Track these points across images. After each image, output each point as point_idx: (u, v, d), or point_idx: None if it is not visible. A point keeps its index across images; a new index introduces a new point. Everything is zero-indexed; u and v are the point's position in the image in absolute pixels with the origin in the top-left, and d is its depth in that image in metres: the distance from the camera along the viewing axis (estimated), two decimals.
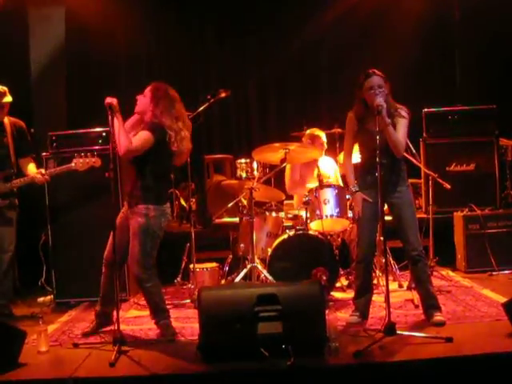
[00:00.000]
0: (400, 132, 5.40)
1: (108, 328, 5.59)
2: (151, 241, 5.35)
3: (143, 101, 5.43)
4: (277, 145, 6.69)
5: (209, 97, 6.76)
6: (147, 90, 5.44)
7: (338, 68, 9.82)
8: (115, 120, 5.17)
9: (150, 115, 5.38)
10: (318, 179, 6.82)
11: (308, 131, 7.69)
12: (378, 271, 6.70)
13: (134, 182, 5.36)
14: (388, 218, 5.54)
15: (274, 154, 6.77)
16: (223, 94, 6.85)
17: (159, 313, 5.46)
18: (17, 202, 6.28)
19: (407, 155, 6.58)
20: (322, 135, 7.58)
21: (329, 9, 9.62)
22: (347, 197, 6.68)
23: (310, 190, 6.77)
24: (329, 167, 7.59)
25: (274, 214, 7.13)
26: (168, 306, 5.66)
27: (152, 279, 5.38)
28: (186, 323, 5.87)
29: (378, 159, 5.02)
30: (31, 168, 6.31)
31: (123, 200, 5.44)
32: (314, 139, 7.51)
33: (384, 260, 5.53)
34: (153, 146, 5.28)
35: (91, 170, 6.05)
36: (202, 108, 6.70)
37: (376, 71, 5.43)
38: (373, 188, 5.35)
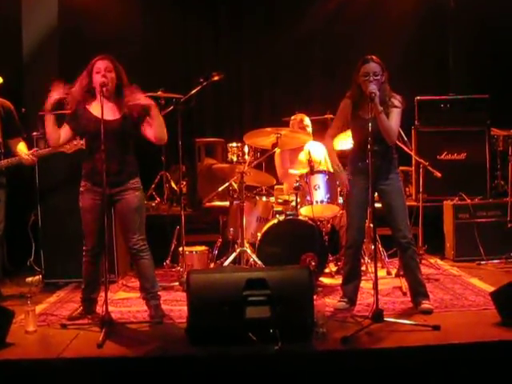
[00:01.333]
0: (393, 120, 5.37)
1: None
2: (145, 211, 5.52)
3: (110, 75, 5.26)
4: (268, 129, 6.72)
5: (202, 80, 6.72)
6: (110, 65, 5.28)
7: (331, 54, 9.81)
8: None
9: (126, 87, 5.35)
10: (309, 165, 6.81)
11: (293, 116, 7.75)
12: (366, 258, 6.72)
13: (121, 159, 5.30)
14: (378, 205, 5.55)
15: (265, 138, 6.79)
16: (216, 77, 6.81)
17: (152, 287, 5.45)
18: (5, 182, 6.26)
19: (398, 143, 6.59)
20: (305, 118, 7.62)
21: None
22: (337, 183, 6.69)
23: (301, 176, 6.77)
24: (319, 153, 7.58)
25: (264, 198, 7.14)
26: None
27: (148, 249, 5.43)
28: (175, 306, 5.86)
29: (369, 146, 5.01)
30: (21, 148, 6.28)
31: (91, 180, 5.37)
32: (298, 123, 7.56)
33: (373, 247, 5.54)
34: None
35: (81, 151, 5.99)
36: (194, 91, 6.67)
37: (374, 57, 5.38)
38: (363, 174, 5.31)
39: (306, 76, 10.04)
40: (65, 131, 5.44)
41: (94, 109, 5.30)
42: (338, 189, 6.63)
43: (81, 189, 5.41)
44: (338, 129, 5.74)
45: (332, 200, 6.62)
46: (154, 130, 5.29)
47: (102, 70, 5.24)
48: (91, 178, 5.33)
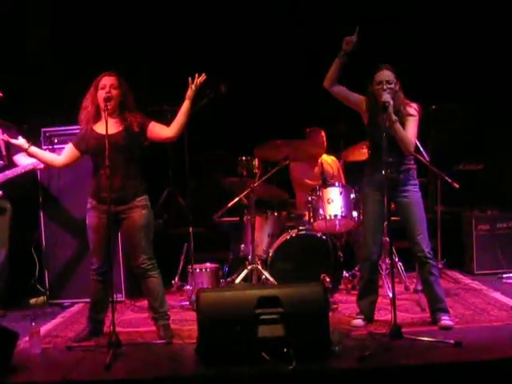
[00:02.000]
0: (409, 129, 5.31)
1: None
2: (152, 230, 5.43)
3: (114, 92, 5.28)
4: (279, 142, 6.65)
5: (208, 91, 6.64)
6: (116, 82, 5.30)
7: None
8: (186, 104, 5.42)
9: (129, 107, 5.37)
10: (322, 178, 6.72)
11: (309, 129, 7.68)
12: (383, 273, 6.59)
13: (125, 174, 5.26)
14: (395, 218, 5.43)
15: (276, 151, 6.73)
16: (223, 90, 6.77)
17: (161, 306, 5.40)
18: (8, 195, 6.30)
19: (414, 153, 6.49)
20: (322, 134, 7.60)
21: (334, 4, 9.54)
22: (352, 196, 6.56)
23: (314, 189, 6.69)
24: (332, 166, 7.49)
25: (275, 213, 7.03)
26: None
27: (156, 268, 5.38)
28: (184, 326, 5.78)
29: (383, 157, 4.92)
30: (26, 160, 6.29)
31: (97, 198, 5.31)
32: (313, 138, 7.52)
33: (390, 261, 5.42)
34: None
35: (85, 168, 5.89)
36: (201, 103, 6.58)
37: (387, 65, 5.36)
38: (380, 186, 5.20)
39: (317, 87, 9.91)
40: (69, 151, 5.45)
41: (98, 127, 5.31)
42: (352, 202, 6.51)
43: (87, 206, 5.39)
44: (349, 93, 5.65)
45: (346, 214, 6.49)
46: (176, 123, 5.34)
47: (107, 86, 5.29)
48: (97, 195, 5.32)
